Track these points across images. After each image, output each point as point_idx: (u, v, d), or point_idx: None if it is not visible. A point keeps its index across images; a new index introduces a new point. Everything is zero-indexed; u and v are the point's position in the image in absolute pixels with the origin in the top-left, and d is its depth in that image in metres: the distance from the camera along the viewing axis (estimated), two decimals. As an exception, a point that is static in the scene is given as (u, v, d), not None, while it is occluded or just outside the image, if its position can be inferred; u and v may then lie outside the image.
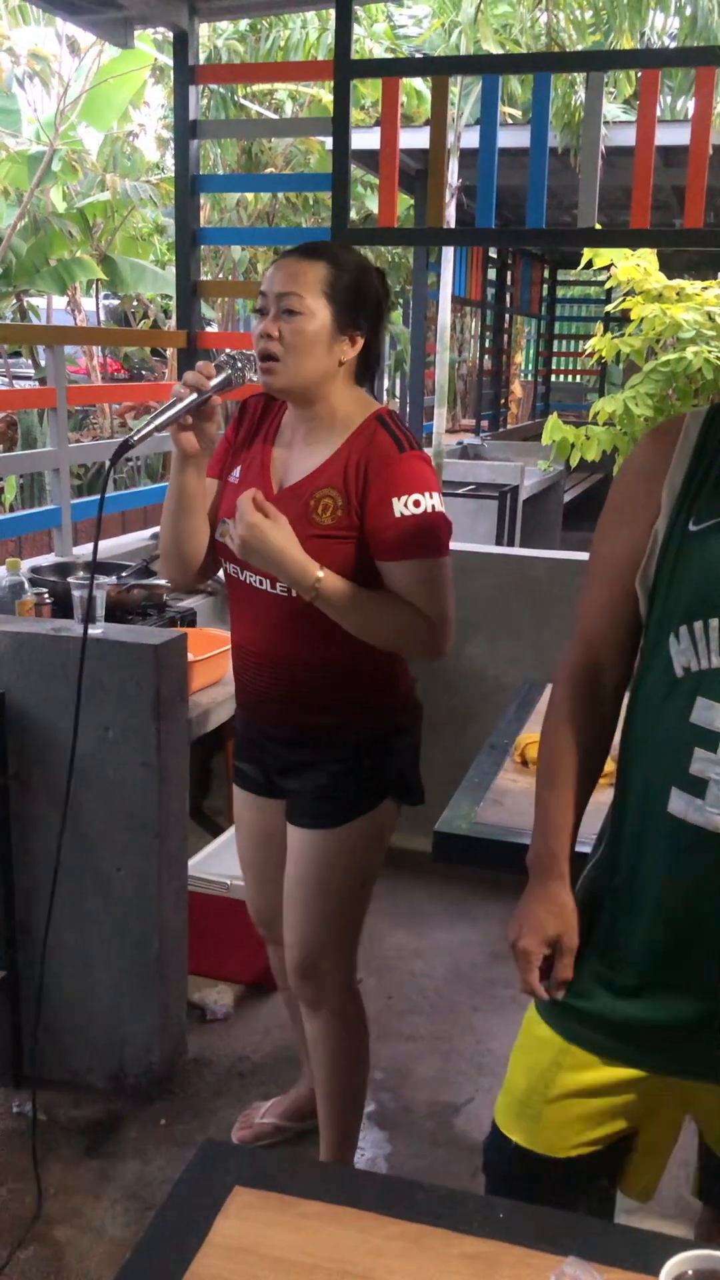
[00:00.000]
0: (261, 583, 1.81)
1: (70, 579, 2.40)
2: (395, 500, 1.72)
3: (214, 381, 1.73)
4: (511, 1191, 1.35)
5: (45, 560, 3.25)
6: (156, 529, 3.79)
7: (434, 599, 1.76)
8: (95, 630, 2.23)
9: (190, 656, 2.42)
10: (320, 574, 1.70)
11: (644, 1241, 1.06)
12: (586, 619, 1.34)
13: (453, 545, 1.81)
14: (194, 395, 1.72)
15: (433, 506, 1.74)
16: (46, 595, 2.67)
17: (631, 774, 1.28)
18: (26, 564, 3.04)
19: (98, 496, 2.01)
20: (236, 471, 1.88)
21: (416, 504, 1.72)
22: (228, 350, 1.84)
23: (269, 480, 1.83)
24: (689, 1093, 1.30)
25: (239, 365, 1.76)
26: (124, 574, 3.04)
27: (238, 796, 2.09)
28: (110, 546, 3.59)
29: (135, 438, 1.69)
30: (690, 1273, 0.94)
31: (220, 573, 1.96)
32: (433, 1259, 1.04)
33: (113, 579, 2.88)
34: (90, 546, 3.60)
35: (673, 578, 1.20)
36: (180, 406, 1.71)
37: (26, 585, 2.69)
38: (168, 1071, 2.48)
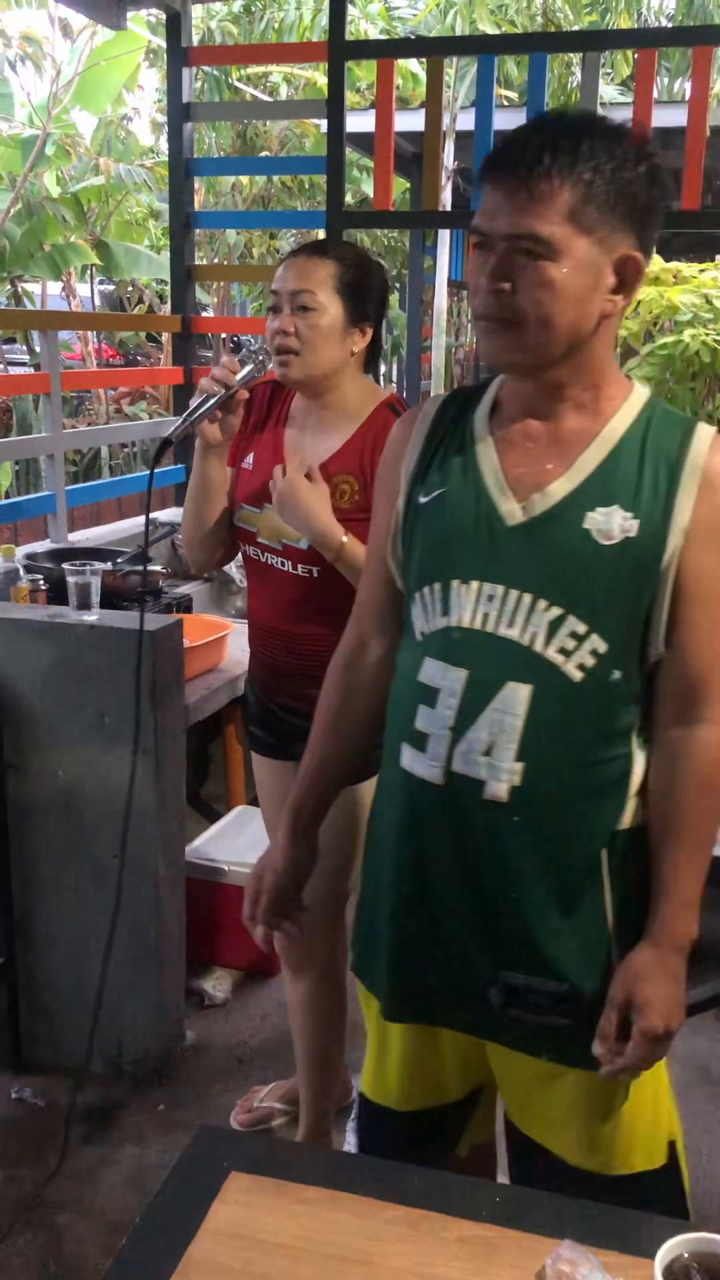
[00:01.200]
0: (282, 564, 1.91)
1: (65, 565, 2.40)
2: None
3: (239, 375, 1.84)
4: (364, 1144, 1.43)
5: (40, 546, 3.24)
6: (153, 514, 3.79)
7: None
8: (90, 617, 2.25)
9: (186, 643, 2.41)
10: (345, 538, 1.81)
11: (639, 1224, 1.06)
12: (359, 599, 1.45)
13: None
14: (222, 390, 1.83)
15: None
16: (42, 582, 2.66)
17: (386, 735, 1.35)
18: (22, 550, 3.03)
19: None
20: (250, 458, 1.96)
21: None
22: (243, 338, 1.93)
23: (283, 463, 1.90)
24: (491, 1054, 1.32)
25: (260, 358, 1.86)
26: (119, 560, 3.03)
27: (255, 760, 2.17)
28: (105, 533, 3.59)
29: (175, 435, 1.82)
30: (685, 1255, 0.95)
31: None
32: (430, 1244, 1.04)
33: (108, 565, 2.87)
34: (85, 534, 3.61)
35: (410, 549, 1.30)
36: (212, 403, 1.83)
37: (21, 572, 2.68)
38: (166, 1057, 2.48)
